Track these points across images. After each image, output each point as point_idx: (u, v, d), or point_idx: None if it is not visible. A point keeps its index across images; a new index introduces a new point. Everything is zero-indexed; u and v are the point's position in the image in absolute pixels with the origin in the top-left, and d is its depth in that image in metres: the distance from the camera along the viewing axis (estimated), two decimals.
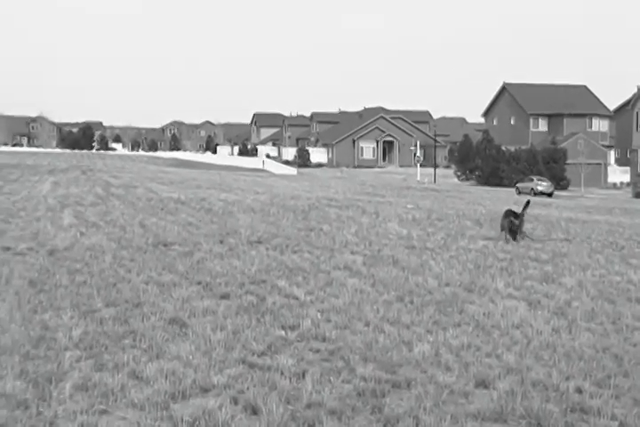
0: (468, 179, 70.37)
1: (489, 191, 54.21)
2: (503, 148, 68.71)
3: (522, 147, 69.40)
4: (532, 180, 56.08)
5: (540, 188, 54.49)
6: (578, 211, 34.62)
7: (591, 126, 77.70)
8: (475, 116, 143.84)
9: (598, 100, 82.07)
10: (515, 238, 16.30)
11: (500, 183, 64.72)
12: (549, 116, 78.37)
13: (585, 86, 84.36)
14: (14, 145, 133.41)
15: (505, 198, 41.81)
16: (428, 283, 10.78)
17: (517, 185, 57.11)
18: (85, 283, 10.00)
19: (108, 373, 6.34)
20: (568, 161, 65.56)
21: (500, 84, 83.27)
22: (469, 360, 6.97)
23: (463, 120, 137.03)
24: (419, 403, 5.81)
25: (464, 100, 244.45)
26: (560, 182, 62.56)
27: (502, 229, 16.69)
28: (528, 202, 17.68)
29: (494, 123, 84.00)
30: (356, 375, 6.45)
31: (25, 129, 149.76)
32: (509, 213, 16.67)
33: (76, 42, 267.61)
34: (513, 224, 16.37)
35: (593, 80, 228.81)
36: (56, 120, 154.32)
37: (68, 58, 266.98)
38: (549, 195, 53.76)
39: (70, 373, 6.32)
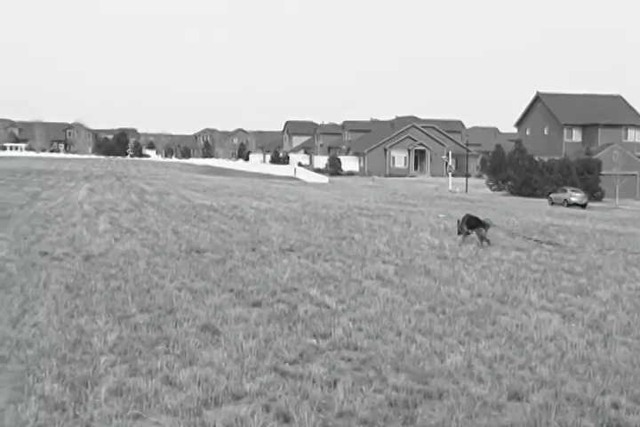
0: (500, 189, 69.88)
1: (521, 202, 53.81)
2: (536, 158, 68.14)
3: (555, 157, 68.76)
4: (566, 191, 55.49)
5: (573, 199, 53.89)
6: (612, 223, 34.21)
7: (626, 137, 76.75)
8: (507, 126, 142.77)
9: (634, 110, 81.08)
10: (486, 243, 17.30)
11: (532, 194, 64.17)
12: (583, 127, 77.61)
13: (620, 96, 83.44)
14: (52, 151, 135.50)
15: (537, 209, 41.45)
16: (460, 293, 10.74)
17: (550, 196, 56.55)
18: (120, 288, 10.12)
19: (142, 378, 6.41)
20: (602, 172, 64.77)
21: (534, 94, 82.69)
22: (502, 372, 6.93)
23: (496, 130, 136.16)
24: (451, 414, 5.80)
25: (497, 110, 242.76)
26: (594, 194, 61.84)
27: (460, 233, 17.84)
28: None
29: (527, 133, 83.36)
30: (387, 385, 6.45)
31: (62, 136, 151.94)
32: (471, 220, 17.67)
33: (113, 51, 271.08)
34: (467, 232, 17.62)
35: (628, 90, 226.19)
36: (92, 127, 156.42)
37: (105, 67, 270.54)
38: (583, 206, 53.14)
39: (105, 377, 6.41)
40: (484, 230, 17.48)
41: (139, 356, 7.06)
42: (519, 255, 15.61)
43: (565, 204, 52.90)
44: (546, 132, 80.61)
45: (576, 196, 54.41)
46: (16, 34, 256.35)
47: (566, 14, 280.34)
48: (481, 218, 18.10)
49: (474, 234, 17.61)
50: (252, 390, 6.17)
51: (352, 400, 6.02)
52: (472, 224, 17.67)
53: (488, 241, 17.40)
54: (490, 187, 71.64)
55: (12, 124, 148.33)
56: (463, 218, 17.99)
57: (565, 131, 77.85)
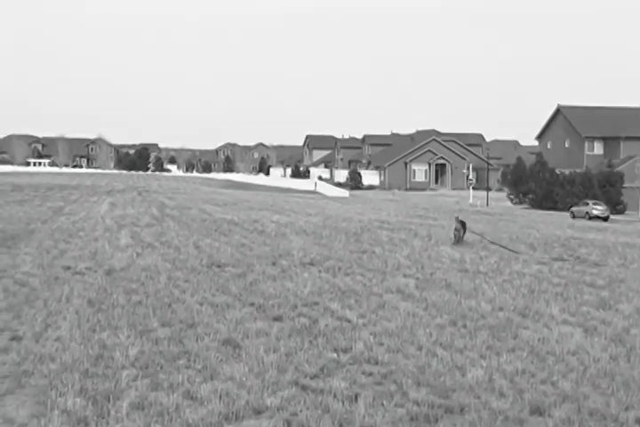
0: (521, 202, 69.48)
1: (542, 215, 53.44)
2: (557, 171, 67.77)
3: (576, 170, 68.36)
4: (587, 204, 55.03)
5: (595, 212, 53.41)
6: (635, 236, 33.86)
7: None
8: (528, 139, 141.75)
9: None
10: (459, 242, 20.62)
11: (554, 207, 63.74)
12: (605, 139, 77.20)
13: None
14: (74, 166, 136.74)
15: (559, 222, 41.17)
16: (481, 307, 10.70)
17: (572, 209, 56.12)
18: (141, 303, 10.19)
19: (164, 392, 6.44)
20: (624, 185, 64.26)
21: (555, 107, 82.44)
22: (524, 387, 6.89)
23: (516, 143, 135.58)
24: None
25: (517, 123, 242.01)
26: (616, 207, 61.27)
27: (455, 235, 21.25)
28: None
29: (548, 146, 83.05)
30: (408, 399, 6.43)
31: (84, 151, 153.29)
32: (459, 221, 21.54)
33: (133, 67, 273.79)
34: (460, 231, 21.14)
35: None
36: (114, 142, 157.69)
37: (126, 82, 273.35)
38: (605, 219, 52.67)
39: (127, 391, 6.45)
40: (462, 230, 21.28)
41: (160, 370, 7.10)
42: (540, 269, 15.52)
43: (587, 217, 52.44)
44: (567, 144, 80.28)
45: (598, 209, 53.92)
46: (38, 50, 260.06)
47: (589, 28, 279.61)
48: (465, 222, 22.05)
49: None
50: (273, 405, 6.18)
51: (373, 415, 6.01)
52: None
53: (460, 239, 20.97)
54: (511, 200, 71.27)
55: (36, 139, 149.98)
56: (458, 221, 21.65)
57: (587, 143, 77.46)
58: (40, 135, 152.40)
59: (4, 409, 6.00)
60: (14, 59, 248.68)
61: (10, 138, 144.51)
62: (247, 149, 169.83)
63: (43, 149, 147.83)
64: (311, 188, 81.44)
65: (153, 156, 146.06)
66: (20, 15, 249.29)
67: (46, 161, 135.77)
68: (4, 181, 58.84)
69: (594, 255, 19.26)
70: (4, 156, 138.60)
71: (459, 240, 20.77)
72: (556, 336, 8.96)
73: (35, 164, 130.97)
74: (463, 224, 21.58)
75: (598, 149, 77.81)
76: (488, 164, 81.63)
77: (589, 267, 16.31)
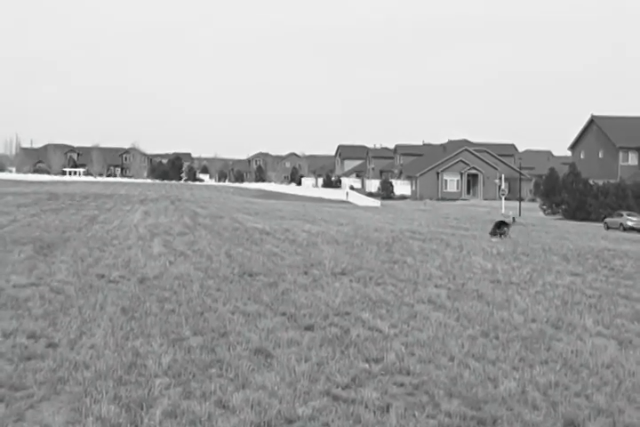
0: (553, 213, 68.80)
1: (575, 226, 52.88)
2: (591, 182, 67.04)
3: (610, 181, 67.56)
4: (622, 215, 54.30)
5: (629, 223, 52.67)
6: None
7: None
8: (561, 150, 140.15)
9: None
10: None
11: (587, 218, 63.01)
12: None
13: None
14: (108, 175, 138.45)
15: (592, 233, 40.69)
16: (513, 318, 10.62)
17: (606, 220, 55.43)
18: (174, 311, 10.27)
19: (196, 401, 6.49)
20: None
21: (588, 117, 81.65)
22: (557, 399, 6.82)
23: (549, 153, 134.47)
24: None
25: (550, 133, 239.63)
26: None
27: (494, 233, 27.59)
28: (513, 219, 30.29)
29: (582, 156, 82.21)
30: (440, 411, 6.41)
31: (118, 160, 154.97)
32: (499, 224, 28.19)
33: (167, 78, 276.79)
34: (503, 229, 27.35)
35: None
36: (147, 151, 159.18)
37: (159, 92, 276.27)
38: None
39: (160, 399, 6.50)
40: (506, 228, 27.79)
41: (192, 379, 7.15)
42: (574, 280, 15.36)
43: (621, 228, 51.75)
44: (601, 155, 79.39)
45: (632, 220, 53.17)
46: (75, 60, 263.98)
47: (621, 38, 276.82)
48: (505, 220, 28.20)
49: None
50: (305, 415, 6.20)
51: (405, 426, 5.99)
52: (499, 226, 27.73)
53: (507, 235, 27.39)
54: (543, 211, 70.60)
55: (72, 149, 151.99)
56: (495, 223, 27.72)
57: (621, 154, 76.47)
58: (75, 145, 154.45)
59: (41, 415, 6.09)
60: (50, 68, 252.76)
61: (47, 147, 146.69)
62: (279, 158, 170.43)
63: (78, 158, 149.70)
64: (343, 197, 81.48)
65: (186, 165, 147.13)
66: (60, 25, 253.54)
67: (81, 170, 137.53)
68: (40, 189, 59.74)
69: (628, 267, 19.00)
70: (40, 165, 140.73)
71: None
72: (589, 349, 8.87)
73: (70, 173, 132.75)
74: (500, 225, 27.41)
75: (633, 159, 76.78)
76: (520, 174, 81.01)
77: (624, 279, 16.10)
